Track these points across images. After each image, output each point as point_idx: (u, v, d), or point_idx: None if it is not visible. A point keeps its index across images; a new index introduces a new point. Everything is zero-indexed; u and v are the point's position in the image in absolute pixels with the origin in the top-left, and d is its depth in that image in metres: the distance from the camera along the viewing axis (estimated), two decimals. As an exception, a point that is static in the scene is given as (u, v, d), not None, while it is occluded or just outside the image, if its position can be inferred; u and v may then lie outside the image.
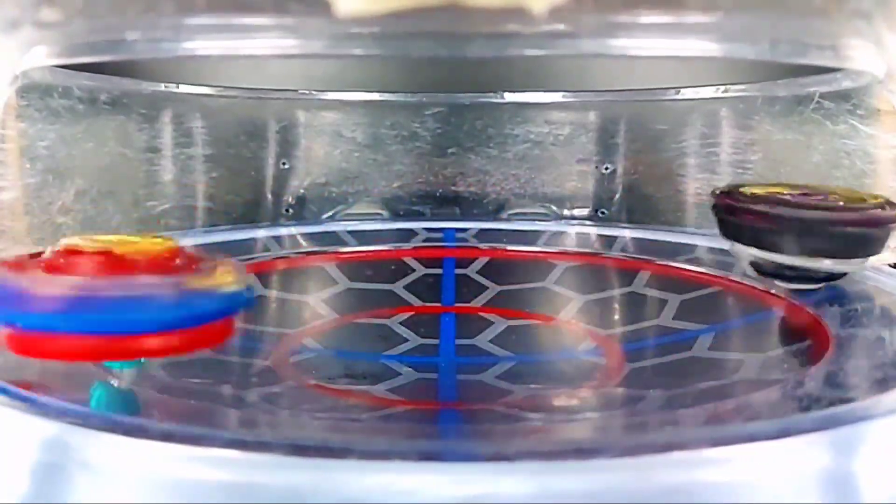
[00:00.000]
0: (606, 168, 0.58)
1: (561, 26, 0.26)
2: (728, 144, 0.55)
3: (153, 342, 0.23)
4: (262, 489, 0.19)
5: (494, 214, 0.59)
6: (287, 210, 0.59)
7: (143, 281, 0.23)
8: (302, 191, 0.59)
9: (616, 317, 0.43)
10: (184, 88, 0.55)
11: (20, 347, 0.24)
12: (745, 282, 0.41)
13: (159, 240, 0.26)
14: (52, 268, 0.24)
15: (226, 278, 0.24)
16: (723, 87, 0.54)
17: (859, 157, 0.50)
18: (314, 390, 0.32)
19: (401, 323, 0.40)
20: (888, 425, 0.22)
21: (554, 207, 0.59)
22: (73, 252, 0.24)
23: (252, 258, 0.47)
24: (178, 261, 0.25)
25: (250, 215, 0.58)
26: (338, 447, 0.20)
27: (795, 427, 0.21)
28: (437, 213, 0.58)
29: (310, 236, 0.53)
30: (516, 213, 0.59)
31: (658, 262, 0.45)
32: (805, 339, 0.34)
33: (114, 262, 0.24)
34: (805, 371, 0.29)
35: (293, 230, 0.54)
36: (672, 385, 0.31)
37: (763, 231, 0.34)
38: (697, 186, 0.56)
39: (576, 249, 0.51)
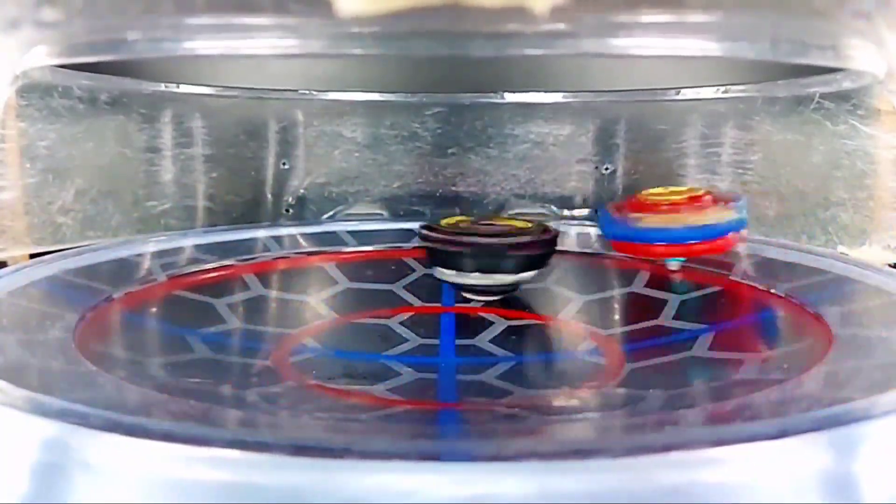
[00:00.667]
0: (606, 168, 0.58)
1: (561, 26, 0.26)
2: (728, 144, 0.55)
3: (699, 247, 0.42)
4: (262, 489, 0.19)
5: (494, 215, 0.59)
6: (287, 210, 0.59)
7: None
8: (302, 191, 0.59)
9: (616, 317, 0.43)
10: (184, 88, 0.55)
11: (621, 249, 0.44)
12: (745, 282, 0.41)
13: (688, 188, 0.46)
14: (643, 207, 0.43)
15: (729, 213, 0.42)
16: (723, 88, 0.54)
17: (859, 157, 0.50)
18: (314, 390, 0.32)
19: (401, 323, 0.40)
20: (888, 425, 0.22)
21: (554, 207, 0.59)
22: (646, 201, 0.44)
23: (252, 258, 0.47)
24: (700, 202, 0.43)
25: (250, 215, 0.58)
26: (338, 447, 0.20)
27: (795, 427, 0.21)
28: (437, 214, 0.58)
29: (310, 236, 0.53)
30: (516, 213, 0.59)
31: (658, 263, 0.45)
32: (805, 339, 0.34)
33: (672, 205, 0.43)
34: (805, 371, 0.29)
35: (293, 230, 0.54)
36: (672, 385, 0.31)
37: (449, 255, 0.42)
38: (697, 186, 0.56)
39: (576, 249, 0.51)
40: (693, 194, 0.44)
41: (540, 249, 0.42)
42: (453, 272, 0.42)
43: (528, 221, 0.45)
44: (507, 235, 0.42)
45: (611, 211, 0.44)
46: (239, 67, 0.56)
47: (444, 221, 0.45)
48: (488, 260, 0.41)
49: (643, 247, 0.43)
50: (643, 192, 0.45)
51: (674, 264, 0.43)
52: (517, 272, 0.42)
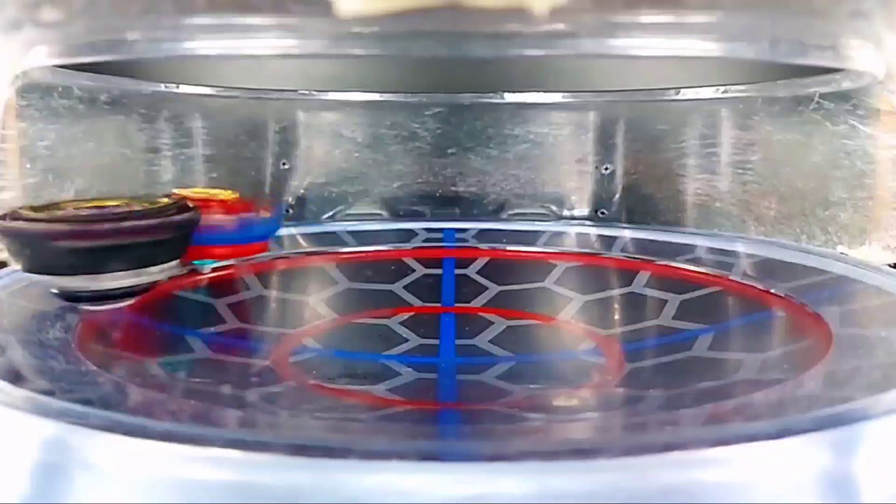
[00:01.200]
0: (606, 168, 0.58)
1: (561, 26, 0.26)
2: (728, 144, 0.55)
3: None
4: (262, 489, 0.19)
5: (494, 215, 0.59)
6: (287, 210, 0.59)
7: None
8: (302, 191, 0.59)
9: (616, 317, 0.43)
10: (184, 88, 0.55)
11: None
12: (745, 282, 0.41)
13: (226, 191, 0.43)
14: None
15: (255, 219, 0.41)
16: (723, 88, 0.54)
17: (859, 157, 0.50)
18: (314, 390, 0.32)
19: (401, 323, 0.40)
20: (888, 425, 0.22)
21: (554, 208, 0.59)
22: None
23: (252, 258, 0.47)
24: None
25: (250, 215, 0.58)
26: (338, 447, 0.20)
27: (795, 427, 0.21)
28: (436, 214, 0.59)
29: (310, 236, 0.53)
30: (516, 214, 0.59)
31: (658, 262, 0.45)
32: (805, 339, 0.34)
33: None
34: (805, 371, 0.29)
35: (293, 230, 0.54)
36: (672, 385, 0.31)
37: (38, 252, 0.31)
38: (697, 186, 0.56)
39: (576, 249, 0.51)
40: (225, 198, 0.42)
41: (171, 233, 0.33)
42: (51, 278, 0.32)
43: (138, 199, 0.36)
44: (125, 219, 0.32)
45: None
46: (239, 67, 0.56)
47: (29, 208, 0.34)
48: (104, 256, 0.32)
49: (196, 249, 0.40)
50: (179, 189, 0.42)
51: (204, 267, 0.42)
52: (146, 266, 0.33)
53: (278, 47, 0.28)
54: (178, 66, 0.55)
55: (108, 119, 0.53)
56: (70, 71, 0.49)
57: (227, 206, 0.42)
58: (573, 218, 0.58)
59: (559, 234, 0.54)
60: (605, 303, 0.43)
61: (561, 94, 0.57)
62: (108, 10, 0.28)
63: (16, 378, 0.25)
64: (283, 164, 0.58)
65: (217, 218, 0.40)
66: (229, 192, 0.43)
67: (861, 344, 0.32)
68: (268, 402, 0.31)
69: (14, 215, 0.32)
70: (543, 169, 0.59)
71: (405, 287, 0.45)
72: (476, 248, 0.51)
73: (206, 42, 0.29)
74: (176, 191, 0.40)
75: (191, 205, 0.35)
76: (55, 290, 0.33)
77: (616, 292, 0.44)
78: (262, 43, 0.28)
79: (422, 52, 0.29)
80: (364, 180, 0.59)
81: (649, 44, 0.28)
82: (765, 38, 0.28)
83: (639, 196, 0.58)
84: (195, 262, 0.41)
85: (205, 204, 0.40)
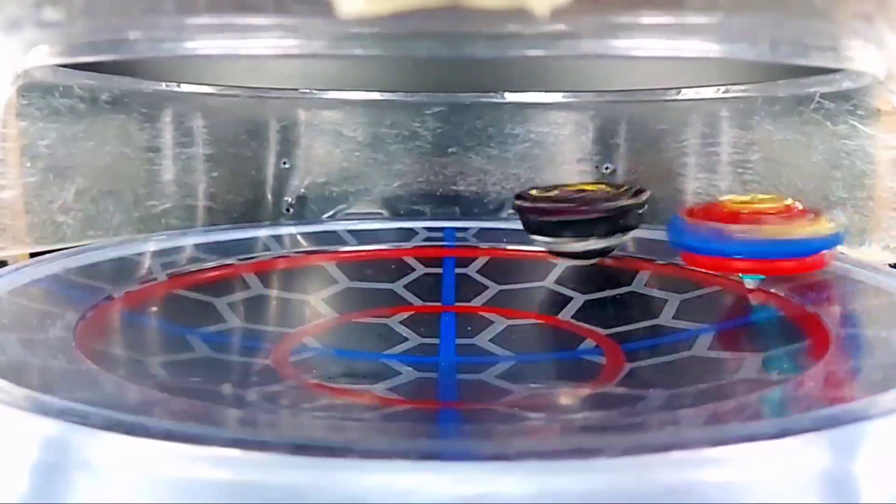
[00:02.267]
0: (606, 168, 0.58)
1: (562, 27, 0.26)
2: (728, 144, 0.55)
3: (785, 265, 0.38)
4: (262, 489, 0.19)
5: (495, 214, 0.59)
6: (287, 209, 0.59)
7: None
8: (302, 190, 0.59)
9: (616, 317, 0.43)
10: (185, 88, 0.55)
11: (693, 262, 0.41)
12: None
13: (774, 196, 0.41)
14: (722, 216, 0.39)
15: (826, 225, 0.38)
16: (723, 88, 0.54)
17: (859, 157, 0.50)
18: (314, 389, 0.32)
19: (401, 322, 0.40)
20: (887, 425, 0.22)
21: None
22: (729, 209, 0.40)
23: (252, 257, 0.47)
24: (791, 213, 0.39)
25: (251, 215, 0.58)
26: (338, 447, 0.20)
27: (795, 427, 0.21)
28: (437, 213, 0.59)
29: (310, 236, 0.53)
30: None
31: (658, 262, 0.45)
32: (805, 339, 0.34)
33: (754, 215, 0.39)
34: (805, 371, 0.29)
35: (293, 230, 0.54)
36: (672, 385, 0.32)
37: (544, 223, 0.44)
38: (697, 186, 0.56)
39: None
40: (780, 203, 0.39)
41: (633, 210, 0.44)
42: (552, 240, 0.44)
43: (603, 184, 0.47)
44: (602, 201, 0.44)
45: (684, 218, 0.40)
46: (240, 67, 0.56)
47: (533, 192, 0.46)
48: (590, 226, 0.43)
49: (720, 261, 0.39)
50: (723, 199, 0.41)
51: (750, 282, 0.39)
52: (615, 233, 0.44)
53: (279, 47, 0.28)
54: (179, 65, 0.55)
55: (109, 118, 0.53)
56: (71, 70, 0.49)
57: (780, 214, 0.39)
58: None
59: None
60: (605, 302, 0.43)
61: (561, 94, 0.57)
62: (109, 9, 0.28)
63: (16, 377, 0.25)
64: (284, 163, 0.58)
65: (790, 231, 0.38)
66: (774, 195, 0.41)
67: (861, 344, 0.32)
68: (268, 401, 0.31)
69: (524, 196, 0.46)
70: (544, 168, 0.59)
71: (405, 286, 0.45)
72: (476, 247, 0.51)
73: (207, 42, 0.29)
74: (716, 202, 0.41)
75: (639, 188, 0.45)
76: (550, 249, 0.45)
77: (616, 292, 0.44)
78: (263, 43, 0.29)
79: (423, 52, 0.29)
80: (364, 179, 0.59)
81: (650, 44, 0.28)
82: (765, 39, 0.28)
83: (639, 196, 0.58)
84: (744, 276, 0.39)
85: (758, 214, 0.39)
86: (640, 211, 0.44)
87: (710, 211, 0.40)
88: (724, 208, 0.40)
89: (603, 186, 0.46)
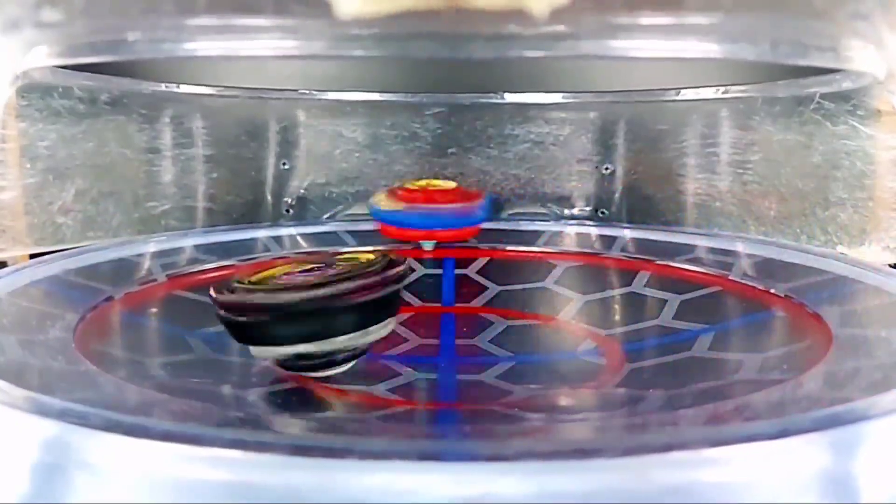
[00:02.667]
0: (606, 168, 0.58)
1: (561, 27, 0.26)
2: (728, 145, 0.55)
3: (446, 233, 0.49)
4: (262, 489, 0.19)
5: (494, 215, 0.59)
6: (287, 210, 0.59)
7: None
8: (302, 191, 0.59)
9: (616, 317, 0.43)
10: (184, 88, 0.55)
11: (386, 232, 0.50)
12: (745, 282, 0.41)
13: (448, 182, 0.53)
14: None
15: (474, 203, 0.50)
16: (723, 88, 0.54)
17: (859, 157, 0.50)
18: (314, 390, 0.32)
19: (401, 323, 0.40)
20: (888, 425, 0.22)
21: (554, 207, 0.59)
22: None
23: (252, 258, 0.47)
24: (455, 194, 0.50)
25: (250, 215, 0.58)
26: (338, 447, 0.20)
27: (795, 427, 0.21)
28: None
29: (310, 236, 0.53)
30: (516, 214, 0.59)
31: (658, 262, 0.45)
32: (805, 339, 0.34)
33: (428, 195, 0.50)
34: (805, 371, 0.29)
35: (293, 230, 0.54)
36: (672, 385, 0.31)
37: (260, 325, 0.30)
38: (697, 186, 0.56)
39: (576, 249, 0.51)
40: (445, 188, 0.51)
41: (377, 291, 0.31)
42: (270, 348, 0.30)
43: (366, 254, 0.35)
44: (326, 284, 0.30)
45: (380, 198, 0.50)
46: (239, 67, 0.56)
47: (245, 278, 0.32)
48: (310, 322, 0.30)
49: (402, 230, 0.49)
50: (406, 183, 0.52)
51: (427, 246, 0.50)
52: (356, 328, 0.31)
53: (279, 48, 0.28)
54: (179, 65, 0.55)
55: (109, 119, 0.53)
56: (70, 71, 0.49)
57: (448, 195, 0.50)
58: (573, 218, 0.58)
59: (559, 234, 0.54)
60: (605, 303, 0.43)
61: (561, 95, 0.57)
62: (109, 10, 0.28)
63: (16, 378, 0.25)
64: (284, 164, 0.58)
65: (441, 205, 0.49)
66: (451, 182, 0.52)
67: (861, 344, 0.32)
68: (268, 401, 0.31)
69: (229, 287, 0.31)
70: (544, 169, 0.59)
71: (405, 287, 0.45)
72: (476, 248, 0.51)
73: (207, 43, 0.29)
74: (407, 184, 0.51)
75: (396, 258, 0.33)
76: (273, 360, 0.31)
77: (616, 292, 0.44)
78: (262, 44, 0.28)
79: (422, 53, 0.29)
80: (364, 180, 0.59)
81: (650, 45, 0.28)
82: (765, 40, 0.28)
83: (639, 196, 0.58)
84: (422, 241, 0.50)
85: (428, 193, 0.50)
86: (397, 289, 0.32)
87: (396, 192, 0.50)
88: (409, 190, 0.50)
89: (363, 257, 0.34)
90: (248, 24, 0.27)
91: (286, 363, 0.31)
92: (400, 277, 0.32)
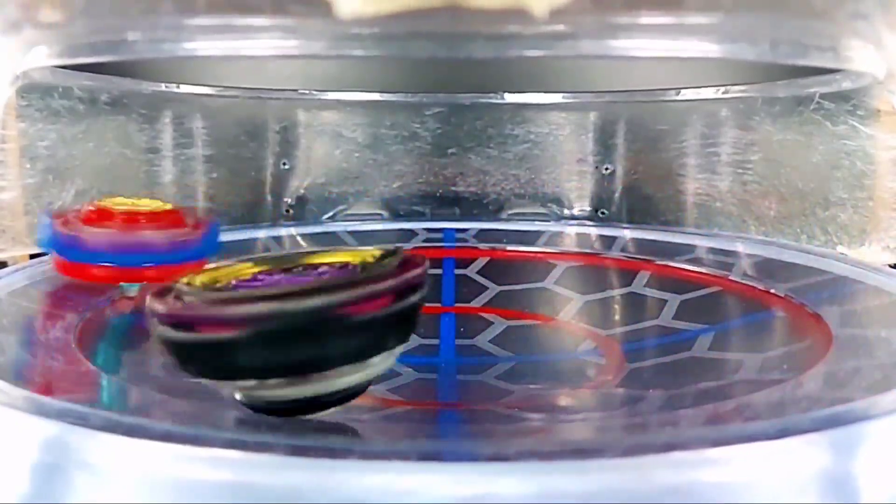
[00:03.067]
0: (606, 168, 0.58)
1: (561, 27, 0.26)
2: (728, 145, 0.55)
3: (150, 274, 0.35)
4: (262, 489, 0.19)
5: (494, 214, 0.59)
6: (287, 210, 0.59)
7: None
8: (302, 191, 0.59)
9: (616, 317, 0.43)
10: (184, 88, 0.55)
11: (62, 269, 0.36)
12: (745, 282, 0.41)
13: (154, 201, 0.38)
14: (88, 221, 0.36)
15: (189, 234, 0.36)
16: (723, 88, 0.54)
17: (859, 157, 0.50)
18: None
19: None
20: (888, 425, 0.22)
21: (554, 207, 0.59)
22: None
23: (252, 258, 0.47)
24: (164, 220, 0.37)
25: (250, 216, 0.58)
26: (338, 447, 0.20)
27: (795, 427, 0.21)
28: (437, 214, 0.59)
29: (310, 237, 0.53)
30: (516, 213, 0.59)
31: (658, 262, 0.45)
32: (805, 339, 0.34)
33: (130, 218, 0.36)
34: (805, 371, 0.29)
35: (293, 231, 0.54)
36: (672, 385, 0.31)
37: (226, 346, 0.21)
38: (697, 186, 0.56)
39: (576, 249, 0.51)
40: (155, 209, 0.37)
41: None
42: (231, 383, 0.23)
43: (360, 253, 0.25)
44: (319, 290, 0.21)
45: (54, 217, 0.36)
46: (239, 67, 0.56)
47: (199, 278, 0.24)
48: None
49: (80, 267, 0.35)
50: (104, 200, 0.37)
51: (130, 290, 0.36)
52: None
53: (278, 48, 0.28)
54: (179, 65, 0.55)
55: (109, 119, 0.53)
56: (70, 71, 0.49)
57: (157, 219, 0.36)
58: (573, 218, 0.58)
59: (559, 234, 0.54)
60: (605, 303, 0.43)
61: (561, 95, 0.57)
62: (109, 10, 0.28)
63: (16, 378, 0.25)
64: (284, 164, 0.58)
65: (149, 235, 0.35)
66: (158, 201, 0.38)
67: (861, 344, 0.32)
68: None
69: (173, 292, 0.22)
70: (543, 169, 0.59)
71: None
72: (476, 248, 0.51)
73: (207, 43, 0.29)
74: (99, 202, 0.37)
75: (413, 256, 0.24)
76: (244, 399, 0.23)
77: (616, 292, 0.44)
78: (262, 44, 0.29)
79: (422, 53, 0.29)
80: (364, 180, 0.59)
81: (649, 45, 0.28)
82: (765, 39, 0.28)
83: (639, 196, 0.58)
84: (122, 284, 0.36)
85: (131, 217, 0.36)
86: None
87: (85, 214, 0.36)
88: (103, 211, 0.36)
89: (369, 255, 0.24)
90: (248, 24, 0.27)
91: (252, 401, 0.23)
92: (420, 283, 0.23)
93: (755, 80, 0.53)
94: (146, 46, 0.29)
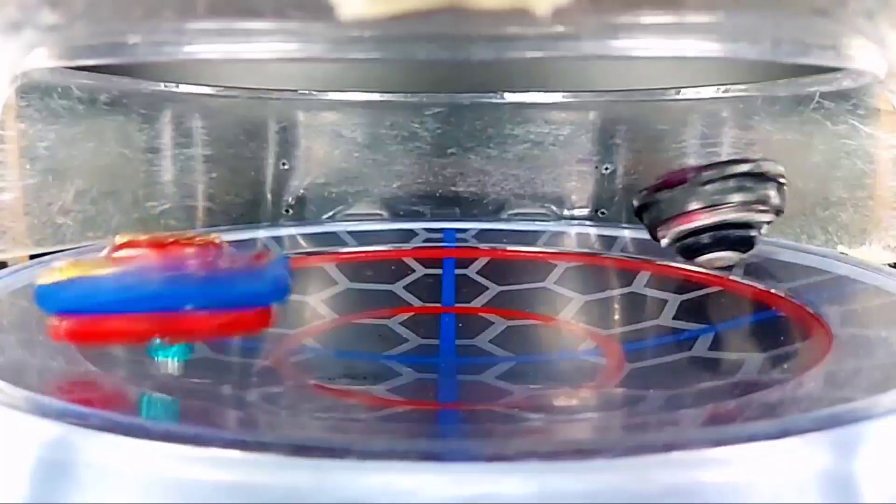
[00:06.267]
0: (606, 168, 0.58)
1: (562, 28, 0.26)
2: (728, 144, 0.55)
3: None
4: (262, 489, 0.19)
5: (494, 215, 0.59)
6: (287, 210, 0.59)
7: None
8: (302, 191, 0.59)
9: (616, 317, 0.43)
10: (184, 88, 0.55)
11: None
12: (745, 282, 0.41)
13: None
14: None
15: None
16: (723, 88, 0.54)
17: (859, 156, 0.50)
18: (314, 390, 0.32)
19: (401, 323, 0.40)
20: (888, 425, 0.22)
21: (554, 207, 0.59)
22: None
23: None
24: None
25: (250, 215, 0.58)
26: (338, 447, 0.20)
27: (795, 427, 0.21)
28: (436, 214, 0.58)
29: (310, 236, 0.53)
30: (516, 214, 0.59)
31: (658, 262, 0.45)
32: (805, 339, 0.34)
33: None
34: (805, 371, 0.29)
35: (293, 230, 0.54)
36: (672, 385, 0.31)
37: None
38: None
39: (576, 249, 0.51)
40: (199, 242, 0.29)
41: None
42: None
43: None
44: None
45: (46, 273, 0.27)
46: (239, 67, 0.56)
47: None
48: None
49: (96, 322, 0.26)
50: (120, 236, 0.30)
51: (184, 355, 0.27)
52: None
53: (280, 51, 0.28)
54: (178, 65, 0.55)
55: (108, 119, 0.53)
56: (69, 70, 0.49)
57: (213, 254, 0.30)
58: (573, 218, 0.58)
59: (559, 234, 0.54)
60: (605, 303, 0.43)
61: (561, 94, 0.57)
62: (110, 13, 0.28)
63: (16, 378, 0.25)
64: (283, 164, 0.58)
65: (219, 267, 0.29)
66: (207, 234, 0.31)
67: (861, 344, 0.32)
68: (268, 402, 0.31)
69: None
70: (543, 169, 0.59)
71: (405, 287, 0.45)
72: (476, 248, 0.51)
73: (208, 46, 0.29)
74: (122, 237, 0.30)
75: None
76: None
77: (616, 292, 0.44)
78: (263, 47, 0.29)
79: (423, 55, 0.29)
80: (364, 180, 0.59)
81: (650, 44, 0.28)
82: (766, 38, 0.28)
83: (639, 196, 0.58)
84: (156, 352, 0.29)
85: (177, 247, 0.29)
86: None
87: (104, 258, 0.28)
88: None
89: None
90: (249, 27, 0.27)
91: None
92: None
93: (755, 79, 0.53)
94: (147, 49, 0.29)
